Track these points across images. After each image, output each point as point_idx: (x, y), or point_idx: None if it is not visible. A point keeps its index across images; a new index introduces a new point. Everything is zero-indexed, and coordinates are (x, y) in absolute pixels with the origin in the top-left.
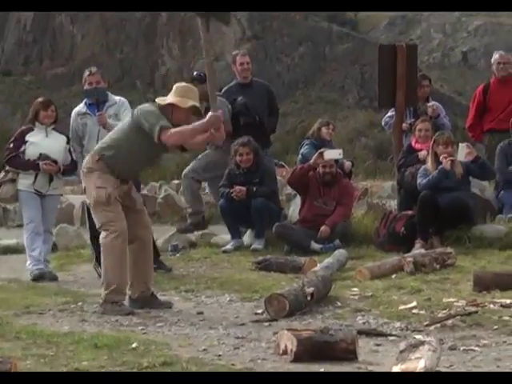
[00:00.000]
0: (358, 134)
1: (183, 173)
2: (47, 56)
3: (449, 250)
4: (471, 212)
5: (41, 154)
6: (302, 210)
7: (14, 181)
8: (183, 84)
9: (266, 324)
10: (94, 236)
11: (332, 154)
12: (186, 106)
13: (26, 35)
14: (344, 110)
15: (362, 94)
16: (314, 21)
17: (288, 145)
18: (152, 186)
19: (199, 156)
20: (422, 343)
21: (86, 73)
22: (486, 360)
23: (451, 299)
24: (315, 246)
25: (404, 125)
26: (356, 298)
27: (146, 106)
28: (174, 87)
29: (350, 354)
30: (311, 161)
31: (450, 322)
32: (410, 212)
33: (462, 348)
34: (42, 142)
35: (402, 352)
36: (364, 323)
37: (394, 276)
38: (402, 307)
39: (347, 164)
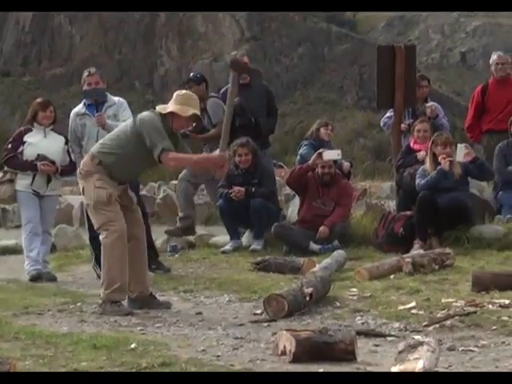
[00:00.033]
0: (356, 135)
1: (180, 176)
2: (46, 57)
3: (447, 250)
4: (470, 212)
5: (39, 155)
6: (301, 211)
7: (12, 181)
8: (184, 92)
9: (265, 324)
10: (93, 237)
11: (331, 154)
12: (187, 114)
13: (24, 36)
14: (343, 111)
15: (361, 95)
16: (312, 22)
17: (287, 145)
18: (151, 187)
19: None
20: (421, 344)
21: (85, 73)
22: (485, 360)
23: (450, 299)
24: (314, 246)
25: (403, 125)
26: (355, 298)
27: (148, 115)
28: (175, 95)
29: (349, 355)
30: (310, 161)
31: (448, 322)
32: (408, 212)
33: (460, 348)
34: (40, 143)
35: (400, 352)
36: (363, 324)
37: (392, 276)
38: (400, 308)
39: (346, 164)
